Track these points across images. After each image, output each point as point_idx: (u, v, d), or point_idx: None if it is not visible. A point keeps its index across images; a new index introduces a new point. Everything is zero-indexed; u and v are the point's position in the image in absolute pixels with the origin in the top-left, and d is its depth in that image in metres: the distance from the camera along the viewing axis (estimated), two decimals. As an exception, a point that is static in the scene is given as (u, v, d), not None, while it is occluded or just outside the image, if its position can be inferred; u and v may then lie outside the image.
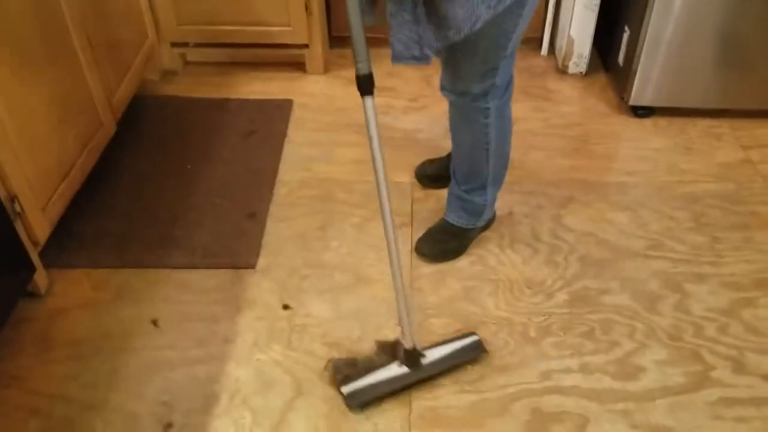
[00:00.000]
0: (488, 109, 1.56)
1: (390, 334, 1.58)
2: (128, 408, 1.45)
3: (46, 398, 1.47)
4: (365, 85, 1.27)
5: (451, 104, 1.64)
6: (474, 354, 1.54)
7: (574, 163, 2.15)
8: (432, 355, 1.50)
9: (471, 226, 1.79)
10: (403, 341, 1.45)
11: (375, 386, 1.46)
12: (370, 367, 1.49)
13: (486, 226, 1.87)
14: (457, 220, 1.79)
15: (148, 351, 1.57)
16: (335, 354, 1.55)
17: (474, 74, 1.50)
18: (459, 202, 1.77)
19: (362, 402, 1.44)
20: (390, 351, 1.52)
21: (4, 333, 1.58)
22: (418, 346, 1.48)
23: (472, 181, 1.72)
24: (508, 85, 1.58)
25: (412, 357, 1.47)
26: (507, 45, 1.43)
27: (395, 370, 1.48)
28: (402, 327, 1.44)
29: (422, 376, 1.49)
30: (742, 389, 1.50)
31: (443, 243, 1.81)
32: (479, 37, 1.39)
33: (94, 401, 1.46)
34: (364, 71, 1.26)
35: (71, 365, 1.54)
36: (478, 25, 1.33)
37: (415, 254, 1.81)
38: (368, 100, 1.29)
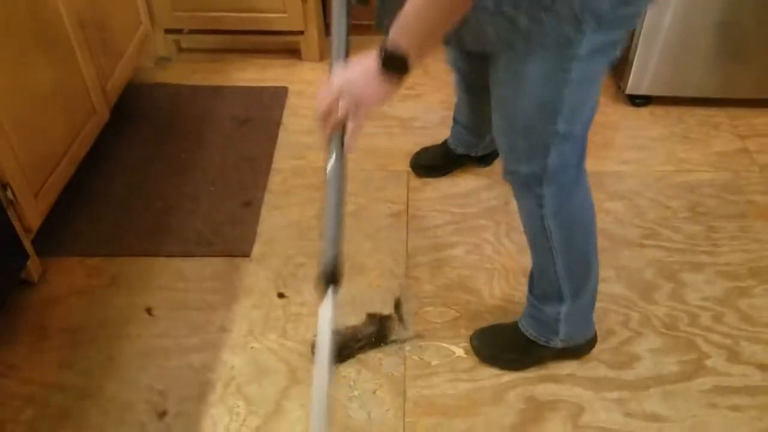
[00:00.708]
0: (542, 197, 1.24)
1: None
2: (123, 396, 1.45)
3: (41, 387, 1.47)
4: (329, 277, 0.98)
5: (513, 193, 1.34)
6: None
7: (571, 152, 2.14)
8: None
9: (543, 343, 1.46)
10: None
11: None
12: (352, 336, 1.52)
13: (570, 353, 1.51)
14: (526, 328, 1.48)
15: (142, 339, 1.56)
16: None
17: (515, 148, 1.20)
18: (530, 308, 1.47)
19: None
20: (377, 323, 1.53)
21: (-3, 321, 1.58)
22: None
23: (542, 286, 1.41)
24: (570, 168, 1.22)
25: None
26: (555, 117, 1.10)
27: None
28: None
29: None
30: (737, 378, 1.50)
31: (503, 350, 1.52)
32: (509, 92, 1.12)
33: (89, 389, 1.46)
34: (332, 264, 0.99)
35: (66, 353, 1.53)
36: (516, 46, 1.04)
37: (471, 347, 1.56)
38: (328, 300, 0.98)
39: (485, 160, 2.04)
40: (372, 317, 1.59)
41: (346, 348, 1.53)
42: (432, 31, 0.97)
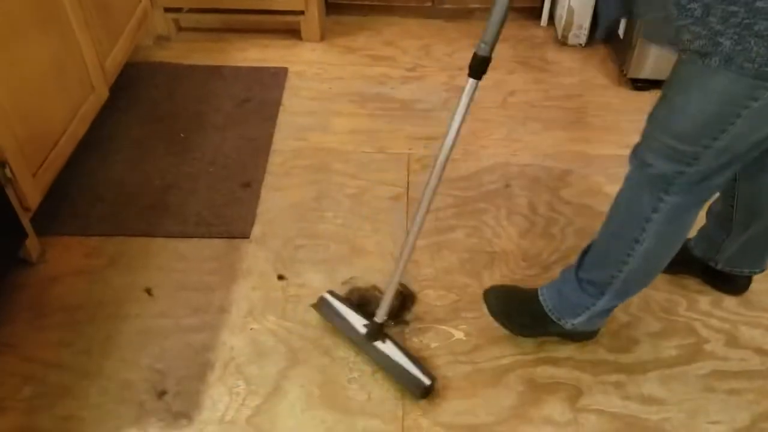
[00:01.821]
0: (660, 200, 1.17)
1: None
2: (122, 375, 1.45)
3: (40, 365, 1.47)
4: (478, 68, 1.17)
5: (628, 174, 1.26)
6: (412, 388, 1.41)
7: (572, 135, 2.13)
8: (387, 348, 1.44)
9: (554, 319, 1.45)
10: (378, 313, 1.45)
11: (338, 316, 1.51)
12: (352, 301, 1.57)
13: (575, 336, 1.50)
14: (546, 299, 1.46)
15: (142, 319, 1.56)
16: (329, 324, 1.55)
17: (666, 138, 1.12)
18: (561, 282, 1.44)
19: (321, 311, 1.54)
20: (400, 298, 1.58)
21: (-4, 300, 1.58)
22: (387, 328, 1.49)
23: (593, 273, 1.36)
24: (706, 188, 1.16)
25: (373, 330, 1.46)
26: (718, 137, 1.04)
27: (357, 323, 1.49)
28: (383, 299, 1.44)
29: (364, 351, 1.48)
30: (735, 362, 1.51)
31: (515, 311, 1.51)
32: (691, 93, 1.04)
33: (88, 368, 1.46)
34: (483, 53, 1.15)
35: (65, 332, 1.53)
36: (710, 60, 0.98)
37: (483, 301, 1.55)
38: (472, 83, 1.18)
39: (721, 281, 1.64)
40: (397, 291, 1.56)
41: (367, 306, 1.56)
42: None
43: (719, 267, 1.57)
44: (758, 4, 0.89)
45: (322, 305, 1.55)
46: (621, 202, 1.28)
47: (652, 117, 1.16)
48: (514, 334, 1.53)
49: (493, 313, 1.53)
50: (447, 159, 1.29)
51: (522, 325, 1.52)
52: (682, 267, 1.63)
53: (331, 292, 1.56)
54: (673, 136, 1.10)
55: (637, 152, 1.20)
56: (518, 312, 1.52)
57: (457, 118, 1.23)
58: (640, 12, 1.13)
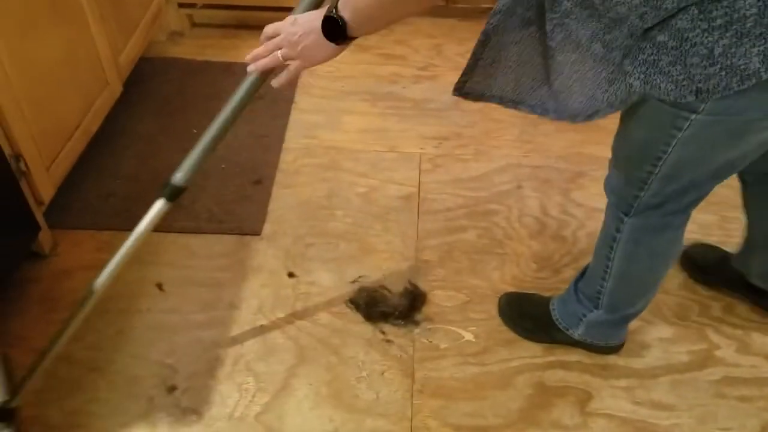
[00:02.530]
0: (621, 221, 1.22)
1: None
2: (132, 370, 1.45)
3: (50, 358, 1.47)
4: (173, 193, 1.25)
5: None
6: None
7: (585, 137, 2.12)
8: None
9: (561, 328, 1.49)
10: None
11: None
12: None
13: (585, 347, 1.51)
14: (554, 308, 1.50)
15: (152, 314, 1.57)
16: (338, 323, 1.55)
17: (619, 163, 1.18)
18: (566, 294, 1.48)
19: None
20: (410, 298, 1.59)
21: (8, 293, 1.58)
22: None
23: (586, 285, 1.41)
24: (667, 213, 1.19)
25: None
26: (656, 164, 1.07)
27: None
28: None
29: None
30: (746, 369, 1.50)
31: (524, 316, 1.56)
32: (629, 120, 1.08)
33: (98, 362, 1.47)
34: (180, 183, 1.24)
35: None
36: (596, 117, 1.04)
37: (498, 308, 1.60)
38: (160, 203, 1.25)
39: (758, 296, 1.60)
40: (407, 291, 1.60)
41: (375, 307, 1.56)
42: (374, 17, 1.01)
43: (753, 280, 1.56)
44: (659, 38, 0.89)
45: None
46: (603, 223, 1.32)
47: (614, 139, 1.19)
48: (522, 337, 1.54)
49: (502, 316, 1.57)
50: None
51: (527, 329, 1.54)
52: (724, 282, 1.64)
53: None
54: (623, 160, 1.16)
55: (607, 175, 1.25)
56: (525, 316, 1.55)
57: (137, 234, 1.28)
58: (503, 93, 1.16)
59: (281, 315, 1.58)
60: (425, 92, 2.30)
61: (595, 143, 2.10)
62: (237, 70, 2.36)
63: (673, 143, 1.02)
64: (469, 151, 2.06)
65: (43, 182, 1.60)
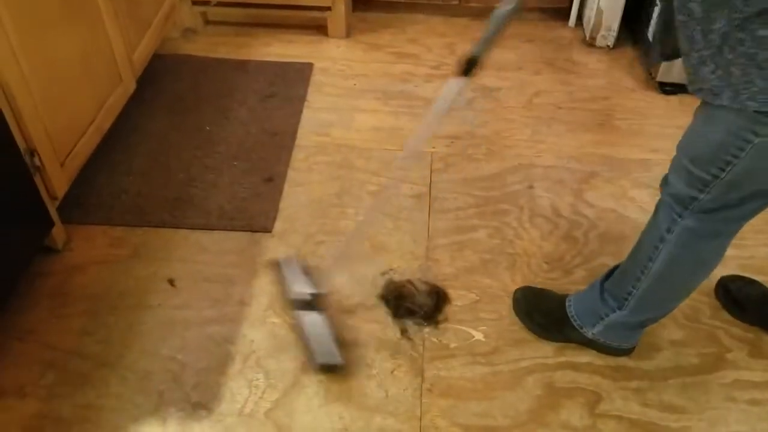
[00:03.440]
0: (674, 222, 1.20)
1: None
2: (143, 365, 1.46)
3: (61, 352, 1.48)
4: (467, 67, 1.21)
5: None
6: (314, 360, 1.45)
7: (598, 138, 2.11)
8: (315, 320, 1.49)
9: (576, 326, 1.47)
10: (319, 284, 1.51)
11: (285, 279, 1.60)
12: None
13: (597, 347, 1.50)
14: (570, 305, 1.49)
15: (163, 309, 1.58)
16: (350, 322, 1.56)
17: (683, 162, 1.15)
18: (588, 289, 1.47)
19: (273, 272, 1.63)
20: (435, 298, 1.59)
21: (20, 286, 1.59)
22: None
23: (614, 284, 1.40)
24: (720, 220, 1.17)
25: (312, 301, 1.51)
26: (724, 168, 1.06)
27: (301, 289, 1.54)
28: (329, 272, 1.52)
29: (295, 316, 1.53)
30: (758, 372, 1.49)
31: (538, 312, 1.55)
32: (704, 119, 1.08)
33: (108, 357, 1.48)
34: (475, 54, 1.19)
35: (87, 321, 1.55)
36: (720, 100, 1.00)
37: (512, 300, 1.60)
38: (456, 81, 1.22)
39: None
40: (432, 290, 1.61)
41: (402, 302, 1.57)
42: None
43: None
44: (760, 32, 0.89)
45: (275, 266, 1.63)
46: (649, 219, 1.30)
47: (682, 137, 1.18)
48: (534, 333, 1.54)
49: (517, 309, 1.57)
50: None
51: (540, 325, 1.54)
52: (763, 321, 1.57)
53: (290, 258, 1.65)
54: (689, 159, 1.13)
55: (666, 174, 1.23)
56: (540, 312, 1.54)
57: (435, 115, 1.28)
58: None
59: (292, 312, 1.58)
60: (438, 91, 2.29)
61: (608, 144, 2.09)
62: (250, 68, 2.37)
63: (748, 149, 1.01)
64: (481, 151, 2.05)
65: (57, 178, 1.61)
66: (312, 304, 1.50)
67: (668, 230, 1.22)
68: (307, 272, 1.59)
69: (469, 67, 1.19)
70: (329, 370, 1.44)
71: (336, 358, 1.44)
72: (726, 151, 1.04)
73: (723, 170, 1.07)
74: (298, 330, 1.51)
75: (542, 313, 1.54)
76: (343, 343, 1.48)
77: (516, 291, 1.60)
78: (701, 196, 1.13)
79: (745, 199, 1.12)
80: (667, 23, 1.09)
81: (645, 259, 1.29)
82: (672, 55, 1.12)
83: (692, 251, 1.24)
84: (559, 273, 1.69)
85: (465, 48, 2.46)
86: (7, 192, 1.43)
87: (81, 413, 1.38)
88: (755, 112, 0.96)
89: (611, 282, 1.41)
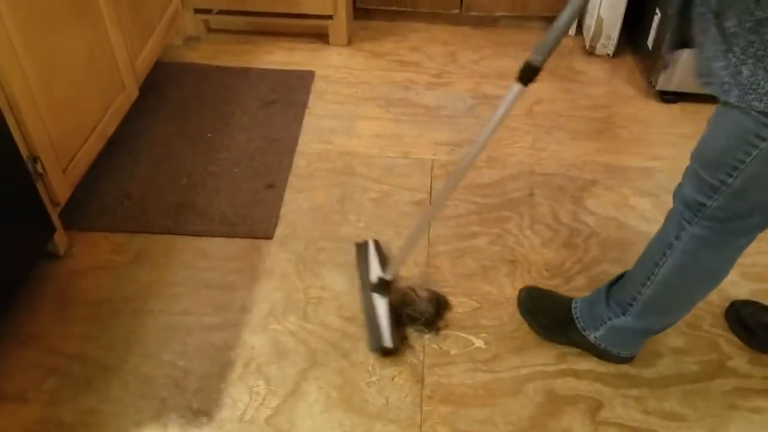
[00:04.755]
0: (683, 228, 1.21)
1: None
2: (144, 371, 1.46)
3: (63, 357, 1.49)
4: (526, 75, 1.21)
5: None
6: (373, 341, 1.51)
7: (599, 146, 2.12)
8: (381, 304, 1.55)
9: (578, 326, 1.48)
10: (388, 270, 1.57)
11: (364, 260, 1.69)
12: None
13: (598, 352, 1.50)
14: (576, 307, 1.50)
15: (165, 315, 1.58)
16: (349, 327, 1.56)
17: (694, 168, 1.16)
18: (594, 294, 1.47)
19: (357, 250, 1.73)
20: (435, 305, 1.60)
21: (23, 292, 1.60)
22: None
23: (621, 289, 1.40)
24: (728, 230, 1.17)
25: (380, 284, 1.57)
26: (732, 174, 1.06)
27: (374, 272, 1.63)
28: (396, 260, 1.56)
29: (363, 296, 1.61)
30: (758, 380, 1.49)
31: (543, 312, 1.56)
32: (714, 123, 1.10)
33: (110, 362, 1.48)
34: (535, 63, 1.18)
35: (89, 326, 1.55)
36: (728, 96, 1.00)
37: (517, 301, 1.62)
38: (517, 86, 1.23)
39: None
40: (433, 297, 1.61)
41: (403, 309, 1.57)
42: None
43: None
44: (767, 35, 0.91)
45: (361, 247, 1.72)
46: (660, 227, 1.31)
47: (696, 145, 1.19)
48: (536, 333, 1.55)
49: (521, 309, 1.58)
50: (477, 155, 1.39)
51: (544, 326, 1.54)
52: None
53: (376, 242, 1.73)
54: (699, 163, 1.14)
55: (679, 183, 1.23)
56: (544, 313, 1.55)
57: (496, 119, 1.29)
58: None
59: (293, 318, 1.58)
60: (439, 99, 2.31)
61: (609, 152, 2.09)
62: (252, 76, 2.38)
63: (754, 154, 1.02)
64: (482, 158, 2.06)
65: (60, 184, 1.62)
66: (384, 288, 1.57)
67: (677, 237, 1.22)
68: (383, 259, 1.68)
69: (530, 75, 1.19)
70: (382, 352, 1.49)
71: (389, 342, 1.49)
72: (733, 156, 1.05)
73: (730, 176, 1.07)
74: (368, 310, 1.56)
75: (547, 313, 1.55)
76: (401, 329, 1.56)
77: (521, 290, 1.61)
78: (709, 202, 1.13)
79: (753, 210, 1.12)
80: (682, 11, 1.08)
81: (652, 265, 1.29)
82: (683, 44, 1.13)
83: (698, 260, 1.23)
84: (560, 280, 1.69)
85: (466, 56, 2.49)
86: (9, 198, 1.44)
87: (83, 418, 1.38)
88: (760, 113, 0.97)
89: (617, 287, 1.41)
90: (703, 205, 1.15)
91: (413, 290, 1.62)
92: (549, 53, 1.16)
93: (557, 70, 2.45)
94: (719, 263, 1.25)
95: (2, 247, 1.43)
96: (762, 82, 0.94)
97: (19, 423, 1.37)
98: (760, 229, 1.18)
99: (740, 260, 1.72)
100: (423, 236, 1.77)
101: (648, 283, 1.31)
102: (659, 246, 1.28)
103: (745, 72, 0.96)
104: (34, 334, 1.53)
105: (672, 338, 1.56)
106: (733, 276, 1.67)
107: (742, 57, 0.95)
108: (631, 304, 1.36)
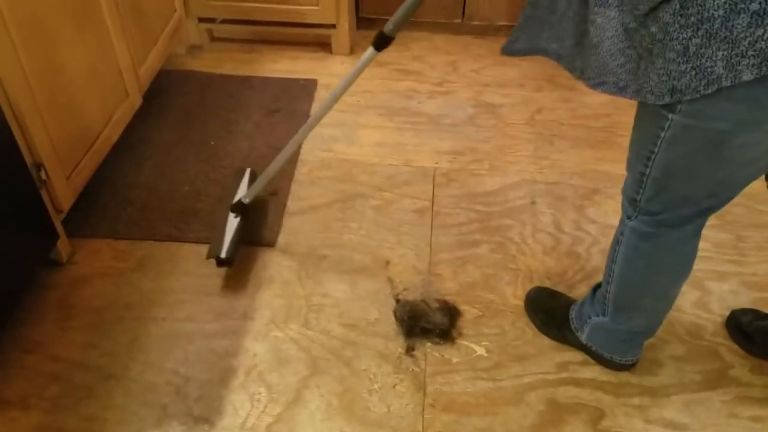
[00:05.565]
0: (623, 223, 1.26)
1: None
2: (146, 378, 1.47)
3: (66, 364, 1.49)
4: (380, 42, 1.38)
5: None
6: (212, 250, 1.66)
7: (600, 155, 2.12)
8: (231, 222, 1.72)
9: (572, 327, 1.52)
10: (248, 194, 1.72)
11: (236, 184, 1.86)
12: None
13: (593, 356, 1.52)
14: (573, 308, 1.54)
15: (167, 322, 1.58)
16: (351, 335, 1.56)
17: (627, 164, 1.20)
18: (586, 296, 1.50)
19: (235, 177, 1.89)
20: (448, 316, 1.61)
21: (26, 299, 1.60)
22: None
23: (598, 290, 1.44)
24: (661, 224, 1.20)
25: (236, 206, 1.74)
26: (647, 164, 1.11)
27: (238, 195, 1.79)
28: (256, 184, 1.70)
29: (218, 210, 1.79)
30: (759, 389, 1.49)
31: (543, 308, 1.60)
32: (636, 118, 1.13)
33: (113, 369, 1.48)
34: (388, 33, 1.35)
35: (91, 333, 1.55)
36: (624, 93, 1.04)
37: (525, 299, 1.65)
38: (370, 50, 1.39)
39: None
40: (446, 307, 1.62)
41: (416, 321, 1.57)
42: None
43: None
44: (651, 29, 0.93)
45: (237, 173, 1.91)
46: None
47: None
48: (535, 327, 1.59)
49: (526, 305, 1.63)
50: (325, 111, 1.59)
51: (541, 321, 1.59)
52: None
53: (253, 171, 1.91)
54: (628, 159, 1.20)
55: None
56: (544, 309, 1.60)
57: (348, 78, 1.46)
58: (547, 47, 1.16)
59: (294, 326, 1.59)
60: (441, 107, 2.32)
61: (611, 160, 2.10)
62: (255, 84, 2.40)
63: (659, 143, 1.06)
64: (484, 166, 2.07)
65: (63, 191, 1.63)
66: (239, 209, 1.73)
67: (621, 233, 1.28)
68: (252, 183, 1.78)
69: (383, 42, 1.37)
70: (219, 263, 1.64)
71: (224, 252, 1.63)
72: (646, 147, 1.10)
73: (647, 166, 1.11)
74: (219, 224, 1.71)
75: (545, 310, 1.59)
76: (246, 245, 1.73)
77: (531, 289, 1.65)
78: (638, 196, 1.18)
79: (679, 202, 1.15)
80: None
81: (610, 262, 1.34)
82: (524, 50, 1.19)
83: (640, 254, 1.27)
84: (562, 288, 1.69)
85: (468, 65, 2.50)
86: (12, 205, 1.44)
87: (85, 425, 1.38)
88: (655, 105, 1.00)
89: (598, 287, 1.45)
90: (635, 199, 1.19)
91: (425, 302, 1.62)
92: (401, 25, 1.33)
93: (557, 79, 2.46)
94: (664, 257, 1.27)
95: (5, 254, 1.44)
96: (651, 74, 0.97)
97: (20, 430, 1.37)
98: (692, 221, 1.20)
99: (740, 269, 1.74)
100: (289, 165, 1.98)
101: (610, 281, 1.35)
102: (612, 244, 1.33)
103: (642, 66, 0.98)
104: (36, 341, 1.54)
105: (673, 347, 1.56)
106: (733, 285, 1.70)
107: (640, 51, 0.98)
108: (605, 304, 1.40)
